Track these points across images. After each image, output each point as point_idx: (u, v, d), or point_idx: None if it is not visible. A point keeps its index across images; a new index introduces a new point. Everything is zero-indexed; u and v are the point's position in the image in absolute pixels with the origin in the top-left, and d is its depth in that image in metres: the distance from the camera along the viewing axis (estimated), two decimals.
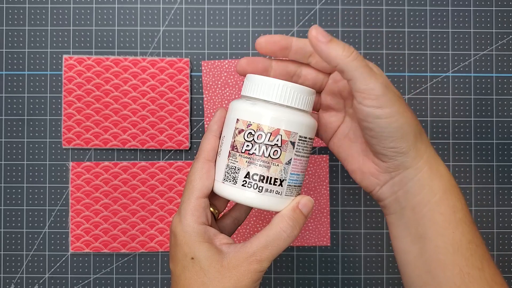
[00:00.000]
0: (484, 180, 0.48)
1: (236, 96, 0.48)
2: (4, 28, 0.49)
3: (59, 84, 0.48)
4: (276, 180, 0.30)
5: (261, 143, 0.30)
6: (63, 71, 0.47)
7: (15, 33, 0.49)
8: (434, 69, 0.49)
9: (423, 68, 0.49)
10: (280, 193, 0.31)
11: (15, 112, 0.48)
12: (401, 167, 0.31)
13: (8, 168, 0.48)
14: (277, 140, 0.30)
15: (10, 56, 0.48)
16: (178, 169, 0.47)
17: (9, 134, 0.48)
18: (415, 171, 0.31)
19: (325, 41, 0.28)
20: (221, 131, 0.32)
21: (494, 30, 0.49)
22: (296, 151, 0.30)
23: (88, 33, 0.48)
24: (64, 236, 0.48)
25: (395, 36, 0.49)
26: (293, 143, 0.30)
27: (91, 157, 0.48)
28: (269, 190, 0.30)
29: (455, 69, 0.49)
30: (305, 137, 0.31)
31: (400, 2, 0.49)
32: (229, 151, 0.31)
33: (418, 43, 0.49)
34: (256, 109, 0.30)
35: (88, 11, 0.48)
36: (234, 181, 0.30)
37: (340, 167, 0.48)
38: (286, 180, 0.31)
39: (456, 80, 0.49)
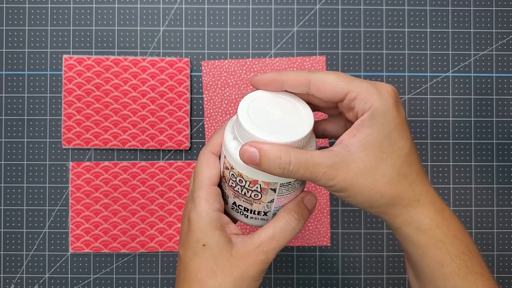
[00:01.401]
0: (484, 180, 0.48)
1: (236, 96, 0.48)
2: (4, 28, 0.49)
3: (59, 84, 0.48)
4: (260, 212, 0.31)
5: (242, 186, 0.30)
6: (63, 71, 0.47)
7: (15, 33, 0.49)
8: (434, 69, 0.49)
9: (423, 68, 0.49)
10: (266, 219, 0.32)
11: (15, 112, 0.48)
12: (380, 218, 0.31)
13: (8, 168, 0.48)
14: (257, 187, 0.30)
15: (10, 56, 0.48)
16: (178, 169, 0.47)
17: (9, 134, 0.48)
18: (393, 226, 0.30)
19: (256, 163, 0.28)
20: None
21: (494, 30, 0.49)
22: (278, 194, 0.30)
23: (88, 33, 0.48)
24: (64, 236, 0.48)
25: (395, 36, 0.49)
26: (273, 189, 0.30)
27: (91, 157, 0.48)
28: (255, 218, 0.32)
29: (455, 69, 0.49)
30: (289, 182, 0.30)
31: (400, 2, 0.49)
32: (221, 176, 0.32)
33: (418, 43, 0.49)
34: (237, 156, 0.29)
35: (88, 11, 0.48)
36: (226, 202, 0.32)
37: None
38: (270, 211, 0.31)
39: (456, 80, 0.49)
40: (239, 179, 0.30)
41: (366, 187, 0.28)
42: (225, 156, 0.30)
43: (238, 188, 0.30)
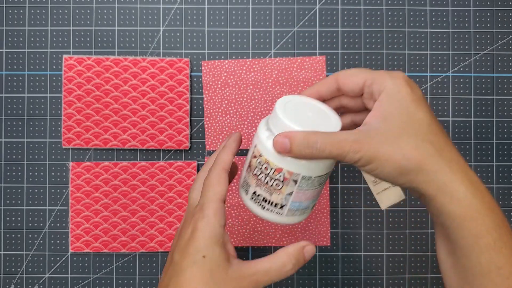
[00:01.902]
0: (484, 180, 0.48)
1: (236, 96, 0.48)
2: (4, 28, 0.49)
3: (59, 84, 0.48)
4: (277, 204, 0.33)
5: (266, 174, 0.32)
6: (63, 71, 0.47)
7: (15, 33, 0.49)
8: (434, 69, 0.49)
9: (423, 68, 0.49)
10: (281, 214, 0.33)
11: (15, 112, 0.48)
12: (412, 193, 0.32)
13: (8, 168, 0.48)
14: (280, 176, 0.31)
15: (10, 56, 0.48)
16: (178, 169, 0.47)
17: (9, 134, 0.48)
18: (427, 198, 0.30)
19: (288, 150, 0.30)
20: (237, 149, 0.35)
21: (494, 30, 0.49)
22: (298, 187, 0.32)
23: (88, 33, 0.48)
24: (64, 236, 0.48)
25: (395, 36, 0.49)
26: (295, 181, 0.32)
27: (91, 157, 0.48)
28: (270, 210, 0.33)
29: (455, 69, 0.49)
30: (310, 176, 0.32)
31: (400, 2, 0.49)
32: (247, 166, 0.34)
33: (418, 43, 0.49)
34: (268, 144, 0.31)
35: (88, 11, 0.48)
36: (246, 192, 0.34)
37: (340, 167, 0.48)
38: (286, 205, 0.33)
39: (456, 80, 0.49)
40: (265, 167, 0.32)
41: (391, 154, 0.29)
42: (255, 145, 0.33)
43: (262, 176, 0.32)
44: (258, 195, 0.33)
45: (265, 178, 0.32)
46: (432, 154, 0.30)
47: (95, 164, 0.48)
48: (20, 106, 0.48)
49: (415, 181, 0.30)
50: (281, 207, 0.33)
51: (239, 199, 0.48)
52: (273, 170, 0.32)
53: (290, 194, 0.32)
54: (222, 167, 0.33)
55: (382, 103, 0.31)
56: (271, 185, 0.32)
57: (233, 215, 0.48)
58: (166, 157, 0.48)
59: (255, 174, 0.33)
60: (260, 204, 0.33)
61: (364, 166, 0.30)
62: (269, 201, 0.33)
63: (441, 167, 0.30)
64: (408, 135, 0.30)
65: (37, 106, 0.48)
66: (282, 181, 0.32)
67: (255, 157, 0.33)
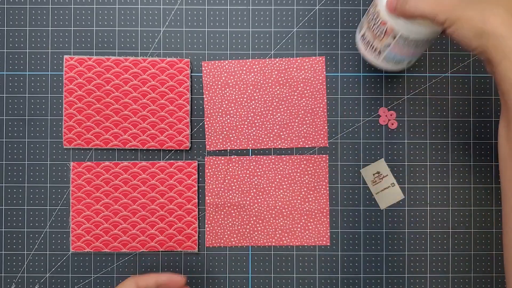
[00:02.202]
0: (483, 180, 0.48)
1: (236, 97, 0.48)
2: (5, 28, 0.49)
3: (60, 84, 0.49)
4: (376, 49, 0.41)
5: (375, 23, 0.40)
6: (64, 71, 0.48)
7: (16, 34, 0.49)
8: (433, 69, 0.49)
9: (422, 69, 0.49)
10: (378, 58, 0.42)
11: (16, 112, 0.49)
12: (483, 60, 0.36)
13: (9, 168, 0.48)
14: (384, 29, 0.39)
15: (11, 56, 0.49)
16: (179, 169, 0.48)
17: (10, 134, 0.48)
18: (494, 64, 0.33)
19: (393, 8, 0.37)
20: (165, 282, 0.40)
21: None
22: (396, 42, 0.39)
23: (88, 34, 0.49)
24: (65, 235, 0.48)
25: None
26: (394, 36, 0.39)
27: (92, 157, 0.48)
28: (370, 52, 0.42)
29: (454, 69, 0.49)
30: (407, 36, 0.38)
31: None
32: (367, 12, 0.41)
33: None
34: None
35: (89, 12, 0.49)
36: (360, 30, 0.43)
37: (339, 167, 0.48)
38: (383, 52, 0.41)
39: (455, 80, 0.49)
40: (376, 16, 0.39)
41: (472, 17, 0.33)
42: None
43: (372, 23, 0.40)
44: (365, 37, 0.42)
45: (373, 25, 0.40)
46: (506, 22, 0.33)
47: (96, 164, 0.48)
48: (21, 106, 0.49)
49: (486, 45, 0.33)
50: (379, 52, 0.41)
51: (239, 199, 0.48)
52: (380, 21, 0.39)
53: (388, 45, 0.40)
54: (136, 281, 0.39)
55: None
56: (376, 33, 0.40)
57: (233, 215, 0.48)
58: (167, 157, 0.48)
59: (368, 20, 0.41)
60: (365, 44, 0.42)
61: (449, 27, 0.34)
62: (371, 45, 0.41)
63: (511, 34, 0.33)
64: (493, 4, 0.33)
65: (38, 107, 0.48)
66: (384, 33, 0.39)
67: (373, 6, 0.40)
